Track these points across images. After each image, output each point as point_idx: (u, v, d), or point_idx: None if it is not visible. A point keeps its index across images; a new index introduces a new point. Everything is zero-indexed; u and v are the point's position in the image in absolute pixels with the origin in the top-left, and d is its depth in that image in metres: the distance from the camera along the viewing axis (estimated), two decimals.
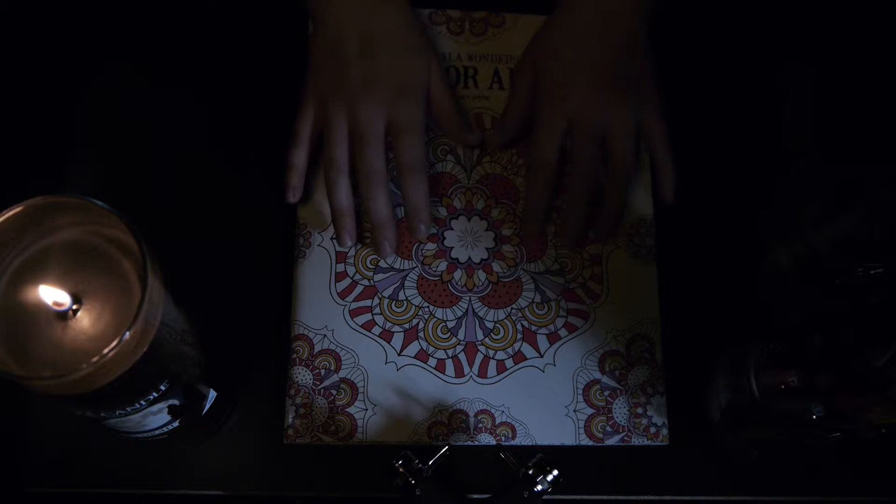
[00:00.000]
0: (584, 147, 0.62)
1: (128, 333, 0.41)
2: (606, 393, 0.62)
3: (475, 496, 0.59)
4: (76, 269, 0.44)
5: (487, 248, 0.64)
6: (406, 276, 0.63)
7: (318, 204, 0.64)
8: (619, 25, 0.63)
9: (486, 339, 0.62)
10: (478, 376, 0.62)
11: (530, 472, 0.55)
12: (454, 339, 0.62)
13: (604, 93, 0.62)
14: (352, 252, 0.63)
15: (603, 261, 0.64)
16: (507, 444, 0.60)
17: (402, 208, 0.63)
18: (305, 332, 0.62)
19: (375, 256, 0.63)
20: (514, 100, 0.65)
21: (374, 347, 0.62)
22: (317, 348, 0.62)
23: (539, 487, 0.55)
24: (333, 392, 0.61)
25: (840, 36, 0.69)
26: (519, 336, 0.63)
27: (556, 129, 0.62)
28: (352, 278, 0.63)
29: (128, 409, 0.47)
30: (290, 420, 0.60)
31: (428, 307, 0.63)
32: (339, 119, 0.61)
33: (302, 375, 0.61)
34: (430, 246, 0.64)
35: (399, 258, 0.63)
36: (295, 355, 0.61)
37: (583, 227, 0.63)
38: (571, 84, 0.62)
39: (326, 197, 0.63)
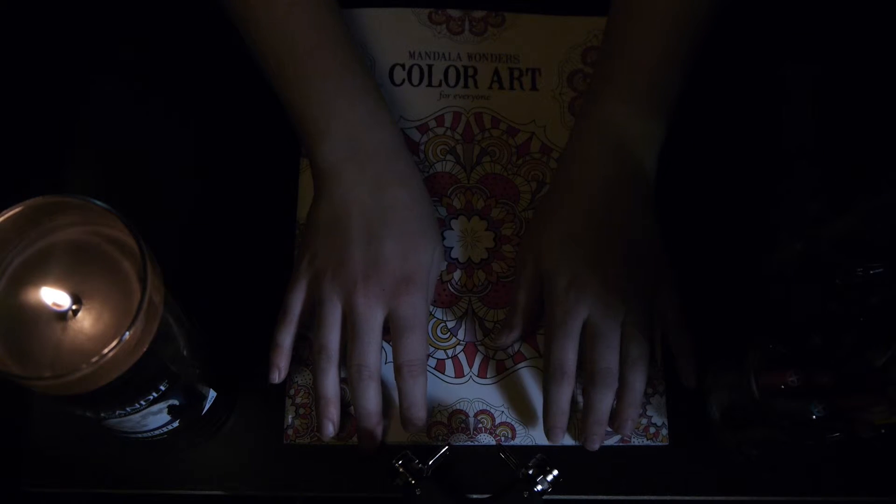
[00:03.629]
0: (602, 355, 0.58)
1: (128, 334, 0.41)
2: None
3: (475, 496, 0.59)
4: (76, 269, 0.44)
5: (487, 248, 0.64)
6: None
7: None
8: (622, 209, 0.60)
9: (486, 339, 0.62)
10: (477, 376, 0.62)
11: (530, 472, 0.55)
12: (454, 339, 0.62)
13: (617, 290, 0.58)
14: None
15: None
16: (506, 444, 0.60)
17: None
18: (305, 332, 0.62)
19: None
20: (519, 300, 0.61)
21: None
22: None
23: (539, 487, 0.55)
24: None
25: (840, 36, 0.69)
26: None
27: (572, 332, 0.58)
28: None
29: (128, 409, 0.47)
30: (290, 420, 0.60)
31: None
32: (334, 304, 0.58)
33: (302, 375, 0.61)
34: None
35: None
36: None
37: (604, 430, 0.59)
38: (582, 286, 0.58)
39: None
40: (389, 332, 0.59)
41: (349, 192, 0.59)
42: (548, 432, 0.59)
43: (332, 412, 0.58)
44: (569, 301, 0.58)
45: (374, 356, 0.58)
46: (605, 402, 0.58)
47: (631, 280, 0.59)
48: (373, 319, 0.57)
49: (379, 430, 0.59)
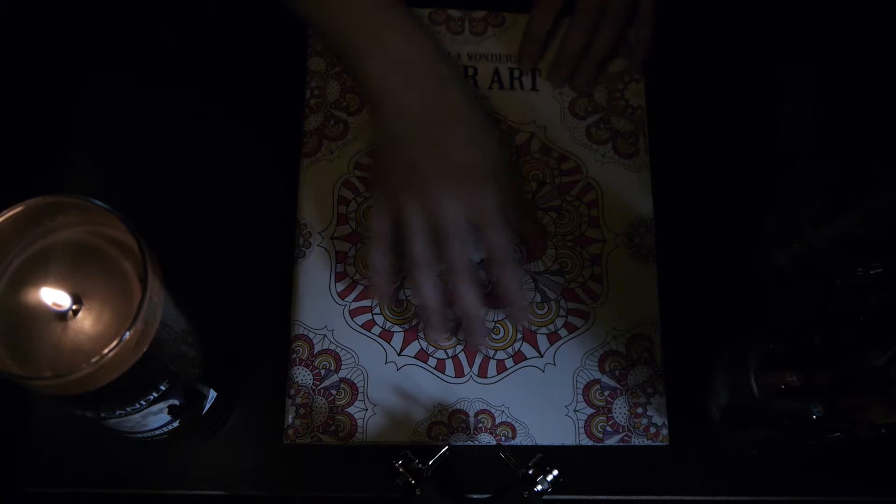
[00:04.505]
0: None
1: (128, 334, 0.41)
2: (606, 393, 0.62)
3: (475, 496, 0.59)
4: (76, 269, 0.44)
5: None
6: (406, 276, 0.63)
7: (318, 204, 0.64)
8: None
9: (486, 339, 0.62)
10: (478, 376, 0.62)
11: (530, 472, 0.55)
12: (454, 339, 0.62)
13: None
14: (352, 252, 0.63)
15: (603, 261, 0.64)
16: (507, 444, 0.60)
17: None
18: (305, 332, 0.62)
19: None
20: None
21: (373, 347, 0.62)
22: (317, 348, 0.62)
23: (539, 487, 0.55)
24: (333, 392, 0.61)
25: (839, 35, 0.69)
26: (519, 336, 0.62)
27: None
28: (352, 278, 0.63)
29: (128, 409, 0.47)
30: (290, 420, 0.60)
31: None
32: (416, 213, 0.58)
33: (302, 375, 0.61)
34: None
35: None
36: (295, 355, 0.61)
37: (577, 57, 0.66)
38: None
39: (325, 195, 0.64)
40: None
41: (404, 108, 0.60)
42: (522, 49, 0.68)
43: (439, 320, 0.60)
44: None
45: (466, 255, 0.59)
46: (585, 30, 0.65)
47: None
48: (454, 218, 0.58)
49: (484, 328, 0.60)
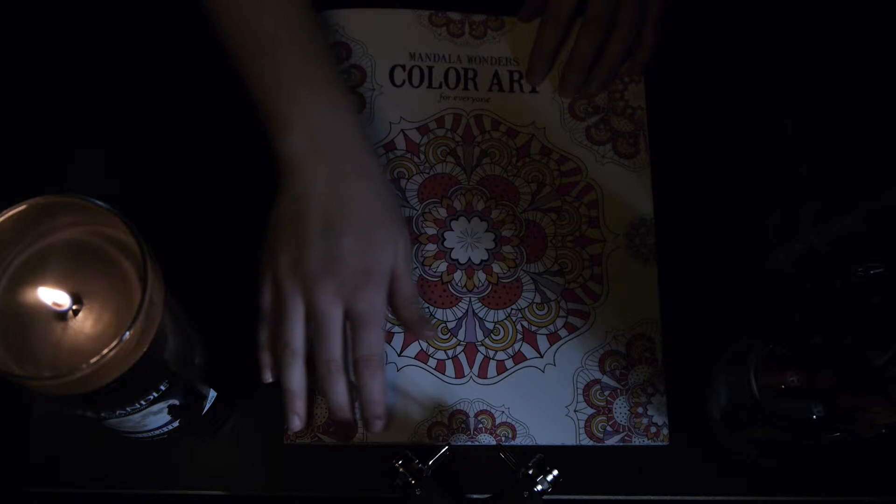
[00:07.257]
0: (598, 5, 0.63)
1: (128, 333, 0.41)
2: (606, 393, 0.62)
3: (475, 496, 0.59)
4: (76, 269, 0.44)
5: (487, 249, 0.64)
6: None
7: None
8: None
9: (486, 340, 0.62)
10: (478, 377, 0.62)
11: (530, 472, 0.55)
12: (454, 340, 0.62)
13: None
14: None
15: (603, 261, 0.64)
16: (507, 444, 0.60)
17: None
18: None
19: None
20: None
21: None
22: None
23: (539, 487, 0.55)
24: None
25: (840, 35, 0.69)
26: (519, 336, 0.63)
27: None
28: None
29: (128, 409, 0.47)
30: None
31: (428, 308, 0.63)
32: (295, 301, 0.58)
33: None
34: (431, 247, 0.64)
35: None
36: None
37: (589, 64, 0.67)
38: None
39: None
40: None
41: (307, 187, 0.59)
42: (531, 63, 0.68)
43: (299, 406, 0.59)
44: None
45: (339, 351, 0.58)
46: (595, 38, 0.66)
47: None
48: (333, 315, 0.58)
49: (353, 419, 0.59)
